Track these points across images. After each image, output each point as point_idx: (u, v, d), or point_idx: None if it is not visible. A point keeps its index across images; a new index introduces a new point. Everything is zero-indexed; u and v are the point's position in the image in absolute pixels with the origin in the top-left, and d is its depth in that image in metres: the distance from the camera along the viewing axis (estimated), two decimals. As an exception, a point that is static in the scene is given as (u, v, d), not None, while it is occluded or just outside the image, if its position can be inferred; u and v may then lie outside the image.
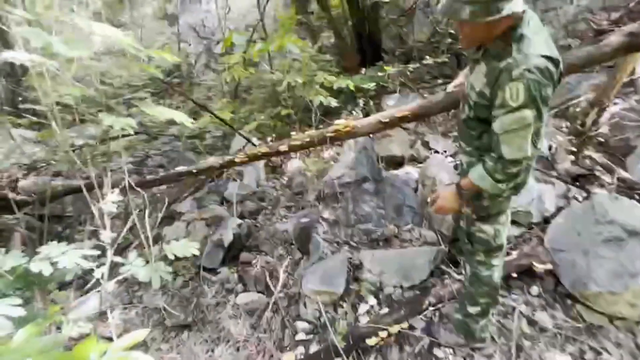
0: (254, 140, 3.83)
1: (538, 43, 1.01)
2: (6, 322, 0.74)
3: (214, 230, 2.48)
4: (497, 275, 1.40)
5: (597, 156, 2.43)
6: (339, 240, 2.23)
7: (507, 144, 1.04)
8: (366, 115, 4.28)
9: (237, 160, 2.04)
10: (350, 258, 2.04)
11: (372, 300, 1.80)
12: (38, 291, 1.17)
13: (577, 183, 2.14)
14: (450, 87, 1.65)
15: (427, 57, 4.38)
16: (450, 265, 1.88)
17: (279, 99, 4.64)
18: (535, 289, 1.66)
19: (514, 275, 1.70)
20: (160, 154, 4.64)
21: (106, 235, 1.03)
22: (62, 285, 2.28)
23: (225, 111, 4.48)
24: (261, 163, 3.60)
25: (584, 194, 2.08)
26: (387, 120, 1.74)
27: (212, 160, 2.17)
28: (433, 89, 4.34)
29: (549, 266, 1.65)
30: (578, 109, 2.84)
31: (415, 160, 3.25)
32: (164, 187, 3.78)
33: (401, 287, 1.83)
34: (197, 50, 6.92)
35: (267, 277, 2.21)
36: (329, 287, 1.81)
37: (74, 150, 3.65)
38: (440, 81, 4.41)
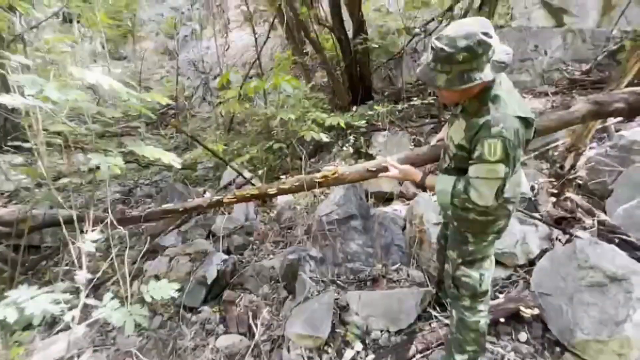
0: (245, 172, 3.86)
1: (512, 104, 1.10)
2: None
3: (198, 266, 2.41)
4: (483, 321, 1.38)
5: (577, 198, 2.51)
6: (326, 280, 2.18)
7: (475, 188, 1.13)
8: (356, 150, 4.41)
9: (225, 201, 2.03)
10: (337, 299, 1.99)
11: (358, 346, 1.73)
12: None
13: (560, 225, 2.19)
14: (433, 141, 1.74)
15: (415, 98, 4.62)
16: (437, 308, 1.84)
17: (271, 133, 4.75)
18: (523, 335, 1.63)
19: (502, 320, 1.67)
20: (150, 183, 4.61)
21: (82, 277, 1.00)
22: (30, 325, 2.14)
23: (219, 143, 4.54)
24: (251, 196, 3.60)
25: (567, 237, 2.11)
26: (374, 169, 1.82)
27: (200, 200, 2.15)
28: (420, 127, 4.52)
29: (536, 311, 1.64)
30: (556, 153, 2.98)
31: (403, 196, 3.30)
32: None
33: (388, 331, 1.77)
34: (195, 84, 7.15)
35: (251, 317, 2.12)
36: (313, 332, 1.74)
37: (59, 178, 3.59)
38: (427, 120, 4.61)
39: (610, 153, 2.70)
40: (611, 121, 3.26)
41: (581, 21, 5.45)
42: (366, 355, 1.68)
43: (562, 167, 2.63)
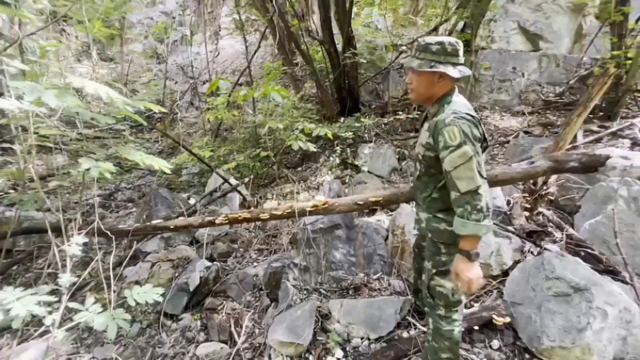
0: (231, 179, 3.86)
1: (463, 107, 1.29)
2: None
3: (181, 273, 2.39)
4: (457, 330, 1.44)
5: (548, 213, 2.66)
6: (309, 288, 2.21)
7: (459, 178, 1.20)
8: (343, 161, 4.49)
9: (217, 222, 2.05)
10: (319, 307, 2.02)
11: (339, 353, 1.76)
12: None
13: (531, 238, 2.31)
14: (413, 183, 1.84)
15: (400, 112, 4.77)
16: (416, 316, 1.90)
17: (259, 141, 4.77)
18: (496, 343, 1.71)
19: (476, 328, 1.75)
20: (132, 187, 4.51)
21: (65, 280, 1.00)
22: (3, 330, 2.06)
23: (205, 149, 4.52)
24: (237, 203, 3.60)
25: (538, 249, 2.24)
26: (362, 202, 1.96)
27: (192, 219, 2.15)
28: (405, 140, 4.66)
29: (508, 319, 1.72)
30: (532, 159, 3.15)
31: (387, 208, 3.39)
32: (131, 222, 3.64)
33: (368, 338, 1.81)
34: (183, 88, 7.12)
35: (232, 325, 2.11)
36: (295, 339, 1.76)
37: (32, 181, 3.48)
38: (411, 134, 4.76)
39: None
40: (580, 141, 3.49)
41: (555, 47, 5.83)
42: (346, 363, 1.72)
43: (535, 184, 2.79)
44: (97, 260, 1.14)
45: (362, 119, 4.56)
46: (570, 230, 2.40)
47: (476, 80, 5.43)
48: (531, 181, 2.89)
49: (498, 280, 2.06)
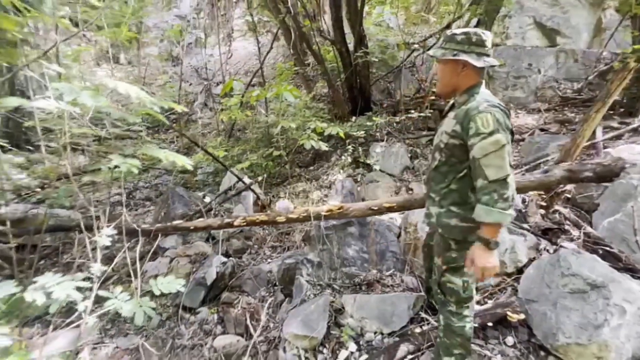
0: (245, 178, 3.94)
1: (493, 98, 1.31)
2: None
3: (198, 268, 2.47)
4: (469, 326, 1.45)
5: (565, 211, 2.62)
6: (322, 283, 2.25)
7: (488, 166, 1.18)
8: (354, 160, 4.51)
9: (235, 223, 2.11)
10: (333, 302, 2.05)
11: (353, 347, 1.79)
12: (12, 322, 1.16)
13: (547, 236, 2.28)
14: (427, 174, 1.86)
15: (413, 110, 4.75)
16: (429, 312, 1.91)
17: (271, 141, 4.85)
18: (510, 339, 1.70)
19: (490, 324, 1.75)
20: (149, 186, 4.66)
21: (97, 269, 1.07)
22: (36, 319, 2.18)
23: (219, 149, 4.63)
24: (250, 201, 3.67)
25: (554, 247, 2.21)
26: (376, 208, 1.98)
27: (211, 221, 2.23)
28: (417, 139, 4.65)
29: (523, 316, 1.71)
30: (546, 167, 3.09)
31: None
32: (150, 220, 3.76)
33: (381, 333, 1.84)
34: (197, 90, 7.28)
35: (248, 318, 2.18)
36: (309, 332, 1.80)
37: (59, 179, 3.65)
38: (424, 133, 4.74)
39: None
40: (600, 138, 3.41)
41: (573, 42, 5.68)
42: (360, 356, 1.75)
43: (551, 181, 2.74)
44: (125, 251, 1.21)
45: (374, 118, 4.56)
46: (588, 229, 2.35)
47: (490, 77, 5.35)
48: (547, 179, 2.85)
49: (512, 278, 2.05)
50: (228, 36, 7.74)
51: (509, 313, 1.73)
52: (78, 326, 1.14)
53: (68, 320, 1.32)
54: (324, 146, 3.97)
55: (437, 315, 1.62)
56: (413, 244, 2.28)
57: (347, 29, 5.01)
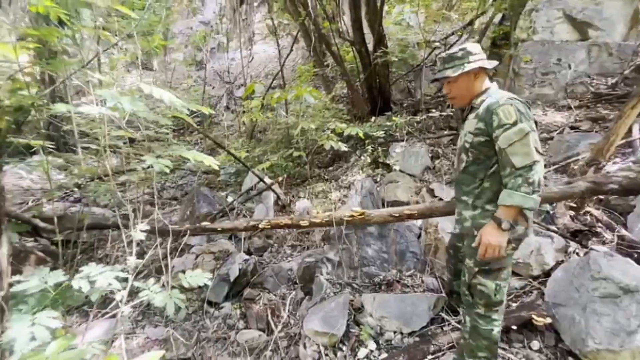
0: (266, 179, 4.03)
1: (509, 94, 1.36)
2: (45, 333, 0.83)
3: (221, 265, 2.56)
4: (497, 330, 1.43)
5: (597, 213, 2.50)
6: (342, 282, 2.27)
7: (514, 154, 1.22)
8: (374, 160, 4.50)
9: (260, 226, 2.19)
10: (352, 300, 2.07)
11: (372, 345, 1.80)
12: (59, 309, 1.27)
13: (576, 238, 2.19)
14: (451, 198, 1.84)
15: (434, 109, 4.68)
16: (450, 313, 1.89)
17: (291, 142, 4.92)
18: (536, 344, 1.65)
19: (514, 327, 1.70)
20: (175, 186, 4.86)
21: (132, 261, 1.15)
22: (74, 309, 2.35)
23: (241, 150, 4.76)
24: (271, 201, 3.75)
25: (584, 250, 2.12)
26: (397, 215, 1.99)
27: (237, 223, 2.32)
28: (438, 139, 4.57)
29: (549, 320, 1.66)
30: (576, 166, 2.96)
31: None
32: (176, 218, 3.94)
33: (401, 332, 1.84)
34: (220, 93, 7.51)
35: (269, 314, 2.24)
36: (329, 329, 1.83)
37: (92, 180, 3.89)
38: (445, 132, 4.65)
39: (634, 168, 2.66)
40: (636, 135, 3.21)
41: (607, 35, 5.37)
42: (379, 355, 1.76)
43: (582, 181, 2.62)
44: (157, 247, 1.29)
45: (394, 118, 4.54)
46: (623, 231, 2.24)
47: (516, 74, 5.16)
48: (577, 179, 2.73)
49: (538, 281, 1.98)
50: (249, 40, 7.93)
51: (534, 317, 1.68)
52: (114, 316, 1.23)
53: (104, 311, 1.44)
54: (343, 147, 3.99)
55: (462, 316, 1.60)
56: (434, 245, 2.26)
57: (366, 29, 5.01)
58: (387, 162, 4.37)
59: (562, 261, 2.03)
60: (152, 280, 1.26)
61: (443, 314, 1.88)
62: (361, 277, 2.26)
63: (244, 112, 6.10)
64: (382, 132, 4.39)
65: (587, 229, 2.24)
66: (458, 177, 1.51)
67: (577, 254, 2.12)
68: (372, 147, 4.46)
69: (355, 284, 2.23)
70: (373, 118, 4.99)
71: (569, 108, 4.62)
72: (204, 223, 2.17)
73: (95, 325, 2.15)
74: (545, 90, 5.10)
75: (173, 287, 1.22)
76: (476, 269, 1.40)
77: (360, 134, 3.95)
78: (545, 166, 3.28)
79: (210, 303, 2.39)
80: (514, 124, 1.22)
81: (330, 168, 4.95)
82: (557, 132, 4.04)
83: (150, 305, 2.33)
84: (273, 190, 3.77)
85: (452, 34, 5.46)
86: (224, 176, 5.03)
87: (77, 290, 0.98)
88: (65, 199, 4.15)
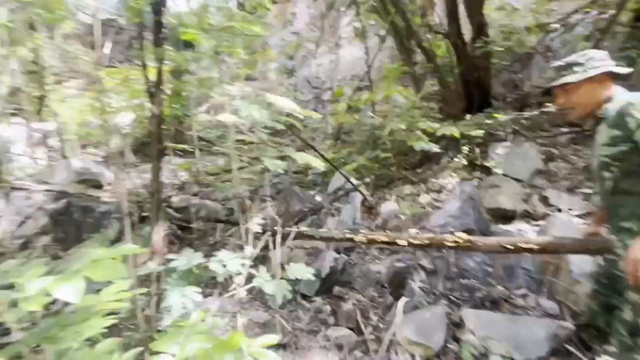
0: (352, 180, 4.08)
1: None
2: (190, 304, 1.02)
3: (313, 260, 2.69)
4: None
5: None
6: (437, 292, 2.13)
7: None
8: (470, 162, 4.10)
9: (356, 239, 2.23)
10: (449, 313, 1.92)
11: (475, 367, 1.64)
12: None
13: None
14: (583, 234, 1.59)
15: (548, 103, 3.99)
16: (581, 347, 1.57)
17: (377, 143, 4.86)
18: None
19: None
20: (270, 185, 5.34)
21: (249, 251, 1.31)
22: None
23: (328, 152, 4.93)
24: (358, 202, 3.78)
25: None
26: (510, 246, 1.70)
27: (334, 233, 2.42)
28: (554, 138, 3.88)
29: None
30: None
31: (529, 216, 2.91)
32: (271, 215, 4.33)
33: (511, 358, 1.62)
34: (308, 98, 7.94)
35: (359, 315, 2.25)
36: (424, 340, 1.74)
37: (222, 172, 4.55)
38: (563, 129, 3.93)
39: None
40: None
41: None
42: (484, 379, 1.58)
43: None
44: (267, 239, 1.44)
45: (495, 115, 4.05)
46: None
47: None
48: None
49: None
50: (336, 45, 8.16)
51: None
52: (232, 296, 1.41)
53: (216, 292, 1.67)
54: (434, 147, 3.76)
55: (600, 353, 1.33)
56: (555, 264, 1.92)
57: (463, 19, 4.60)
58: (486, 164, 3.94)
59: None
60: (263, 268, 1.40)
61: (570, 347, 1.58)
62: (460, 290, 2.08)
63: (331, 115, 6.31)
64: (481, 131, 3.97)
65: None
66: (609, 200, 1.29)
67: None
68: (468, 147, 4.07)
69: (452, 296, 2.07)
70: (468, 116, 4.56)
71: None
72: (303, 228, 2.34)
73: (208, 302, 2.51)
74: None
75: (281, 278, 1.34)
76: None
77: (456, 134, 3.65)
78: None
79: (302, 296, 2.54)
80: None
81: (419, 170, 4.71)
82: None
83: (252, 290, 2.61)
84: (360, 192, 3.79)
85: (576, 11, 4.56)
86: (312, 176, 5.29)
87: (209, 271, 1.17)
88: (187, 193, 4.98)
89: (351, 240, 2.25)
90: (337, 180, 4.32)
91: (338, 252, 2.96)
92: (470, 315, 1.81)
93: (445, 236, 1.88)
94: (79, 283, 0.61)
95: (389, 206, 3.80)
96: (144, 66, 1.60)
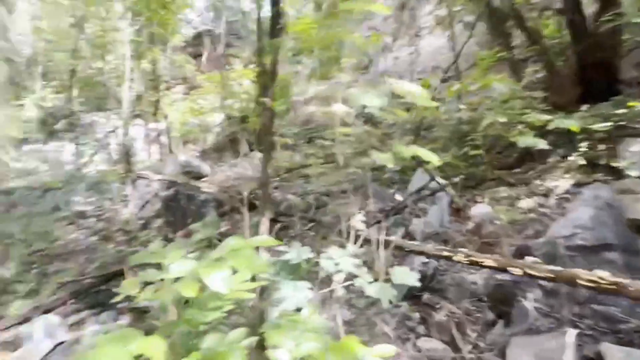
0: (439, 179, 3.75)
1: None
2: (303, 300, 1.00)
3: (399, 262, 2.53)
4: None
5: None
6: (559, 316, 1.77)
7: None
8: (589, 161, 3.41)
9: (454, 258, 2.03)
10: (581, 345, 1.57)
11: (624, 419, 1.29)
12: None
13: None
14: None
15: None
16: None
17: (463, 139, 4.41)
18: None
19: None
20: (347, 181, 5.29)
21: (352, 248, 1.23)
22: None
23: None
24: (445, 203, 3.46)
25: None
26: None
27: (427, 247, 2.26)
28: None
29: None
30: None
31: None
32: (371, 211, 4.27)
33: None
34: (384, 92, 7.65)
35: (454, 328, 2.02)
36: (548, 373, 1.45)
37: (289, 171, 4.71)
38: None
39: None
40: None
41: None
42: None
43: None
44: (369, 236, 1.35)
45: (630, 104, 3.27)
46: None
47: None
48: None
49: None
50: (415, 35, 7.69)
51: None
52: (331, 292, 1.35)
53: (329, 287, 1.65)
54: (541, 144, 3.21)
55: None
56: None
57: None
58: (614, 164, 3.23)
59: None
60: (364, 269, 1.31)
61: None
62: (593, 318, 1.69)
63: (407, 110, 5.95)
64: (608, 124, 3.24)
65: None
66: None
67: None
68: (587, 143, 3.38)
69: (582, 325, 1.69)
70: (585, 106, 3.79)
71: None
72: (394, 237, 2.21)
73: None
74: None
75: (386, 281, 1.24)
76: None
77: (574, 127, 3.05)
78: None
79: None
80: None
81: (517, 170, 4.11)
82: None
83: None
84: (447, 192, 3.46)
85: None
86: (389, 173, 5.07)
87: (315, 267, 1.14)
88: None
89: (448, 257, 2.03)
90: (418, 179, 4.03)
91: (427, 255, 2.74)
92: (614, 352, 1.45)
93: (577, 272, 1.52)
94: (226, 272, 0.59)
95: (480, 209, 3.39)
96: (259, 57, 1.65)
